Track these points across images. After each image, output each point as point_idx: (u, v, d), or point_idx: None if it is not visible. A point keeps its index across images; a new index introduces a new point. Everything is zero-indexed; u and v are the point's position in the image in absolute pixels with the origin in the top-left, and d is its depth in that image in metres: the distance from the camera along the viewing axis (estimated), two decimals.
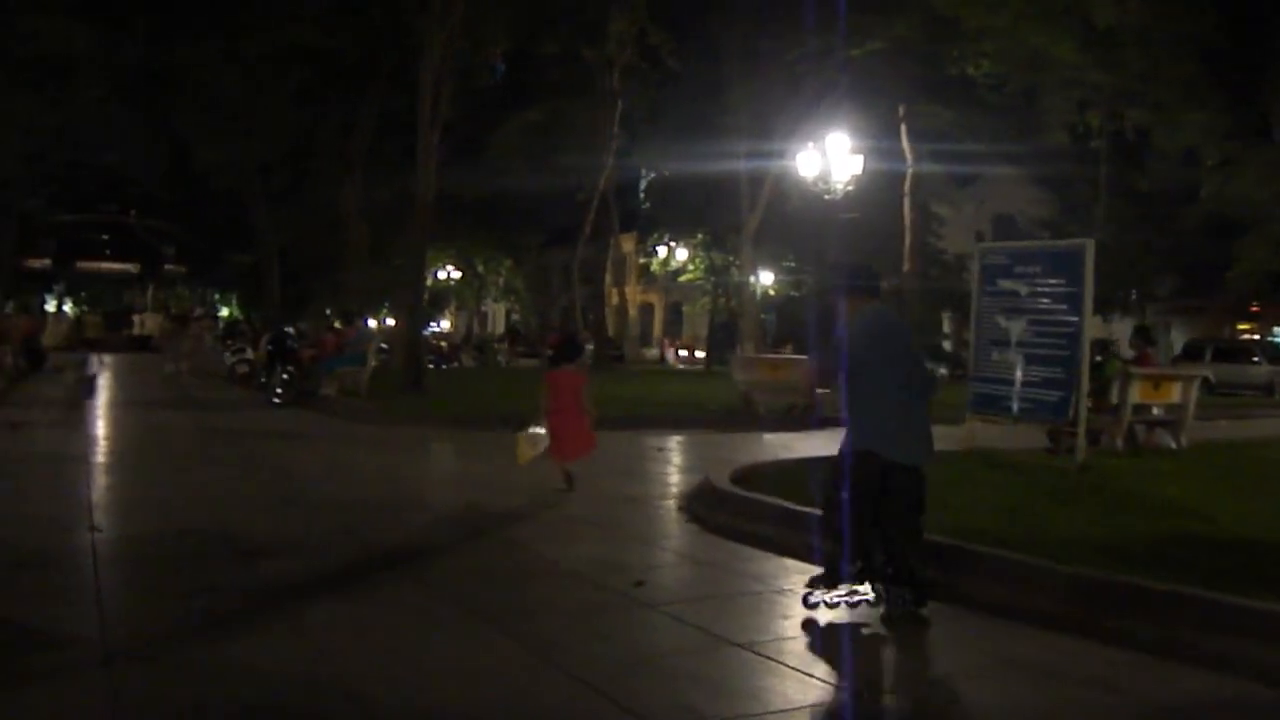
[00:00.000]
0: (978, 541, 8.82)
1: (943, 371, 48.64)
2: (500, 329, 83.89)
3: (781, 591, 8.40)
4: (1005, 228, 62.38)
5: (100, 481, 13.35)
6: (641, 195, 60.67)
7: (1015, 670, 6.67)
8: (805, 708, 5.96)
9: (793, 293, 57.26)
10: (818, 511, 8.67)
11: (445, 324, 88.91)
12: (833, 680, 6.40)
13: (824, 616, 7.58)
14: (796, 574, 8.82)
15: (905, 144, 35.07)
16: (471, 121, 42.38)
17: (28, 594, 7.87)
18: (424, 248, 29.60)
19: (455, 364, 52.97)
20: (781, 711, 5.90)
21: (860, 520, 7.54)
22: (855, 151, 28.88)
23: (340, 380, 26.23)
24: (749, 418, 22.90)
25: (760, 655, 6.77)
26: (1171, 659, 6.76)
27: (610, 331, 60.17)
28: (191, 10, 36.87)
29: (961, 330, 59.52)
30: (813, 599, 7.66)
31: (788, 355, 28.38)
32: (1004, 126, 40.97)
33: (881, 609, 7.58)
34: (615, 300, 58.94)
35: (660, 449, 18.23)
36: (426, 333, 73.96)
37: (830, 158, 28.63)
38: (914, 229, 35.60)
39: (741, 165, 40.25)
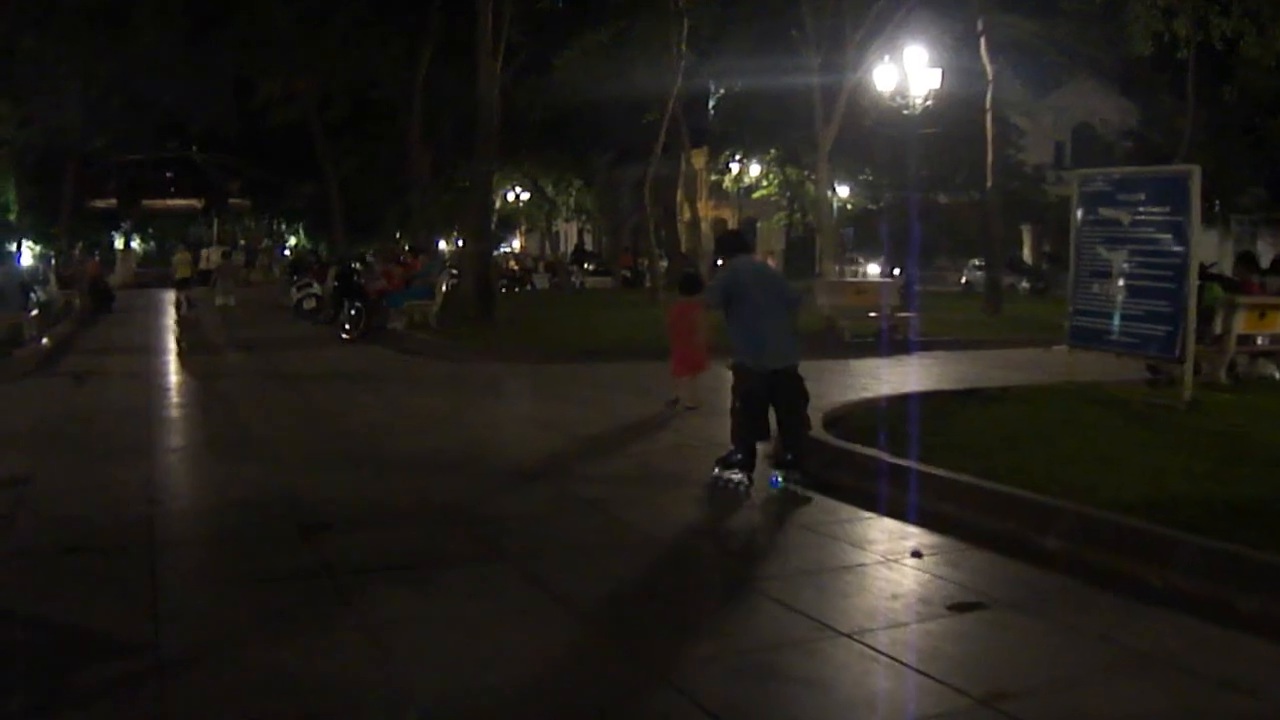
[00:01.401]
0: (1091, 501, 8.11)
1: (1024, 284, 47.96)
2: (572, 248, 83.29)
3: (885, 561, 7.70)
4: (1085, 138, 61.26)
5: (161, 441, 12.81)
6: (711, 111, 59.69)
7: (1151, 668, 5.87)
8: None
9: (870, 206, 56.28)
10: (919, 465, 9.47)
11: (516, 244, 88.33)
12: (956, 683, 5.59)
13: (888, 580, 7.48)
14: (900, 538, 8.16)
15: (985, 57, 33.64)
16: (536, 44, 41.49)
17: (78, 586, 7.22)
18: (490, 174, 28.93)
19: (528, 286, 52.51)
20: None
21: (744, 422, 9.86)
22: (933, 65, 28.15)
23: (409, 314, 25.84)
24: (834, 343, 22.08)
25: (871, 649, 6.02)
26: None
27: (683, 248, 59.60)
28: None
29: (1040, 242, 58.61)
30: (713, 474, 9.99)
31: (864, 274, 27.66)
32: (1087, 36, 39.44)
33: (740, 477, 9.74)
34: (687, 216, 57.96)
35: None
36: (498, 254, 74.41)
37: (908, 72, 28.00)
38: (995, 144, 34.25)
39: (815, 79, 38.99)
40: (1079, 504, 8.01)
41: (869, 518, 8.90)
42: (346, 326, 25.00)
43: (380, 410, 15.36)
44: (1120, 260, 13.45)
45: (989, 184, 34.15)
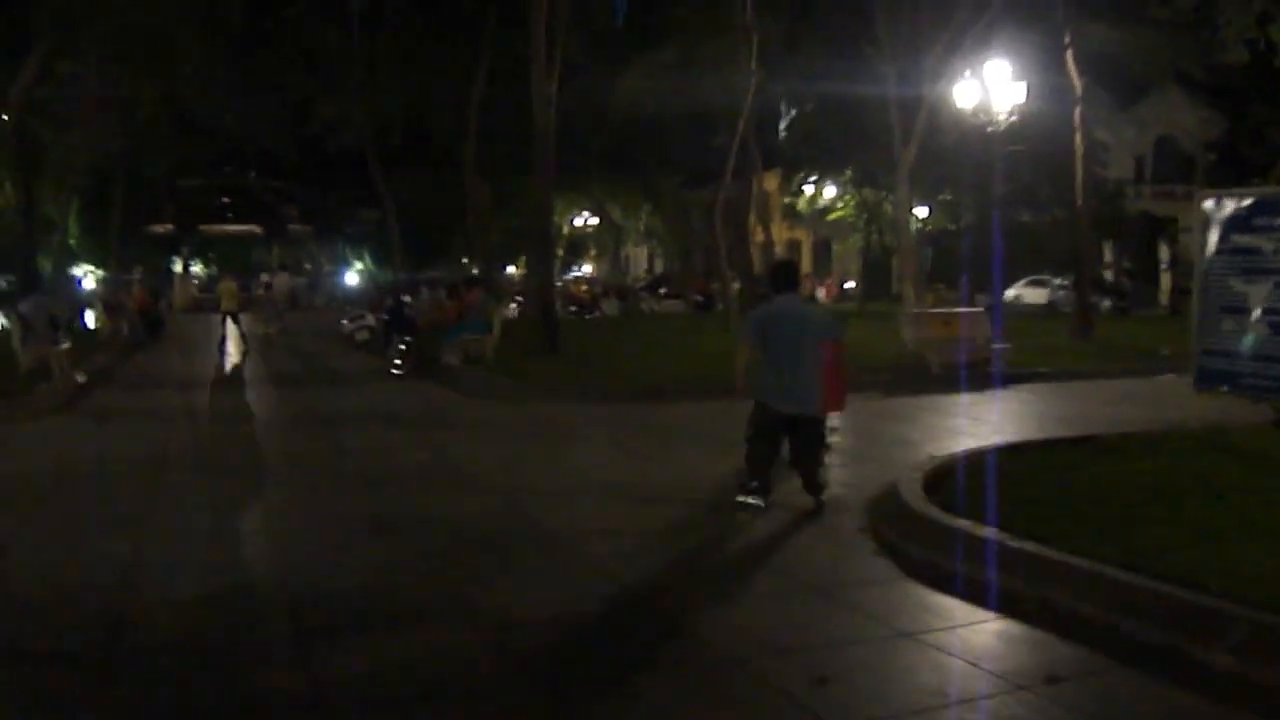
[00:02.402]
0: (1265, 597, 6.49)
1: (1106, 303, 46.07)
2: (642, 273, 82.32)
3: (1014, 689, 6.00)
4: (1167, 151, 59.34)
5: (163, 504, 11.32)
6: (783, 132, 58.35)
7: None
8: None
9: (949, 226, 54.61)
10: (1047, 551, 7.80)
11: (588, 269, 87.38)
12: None
13: None
14: (1029, 651, 6.57)
15: (1072, 70, 31.90)
16: (599, 65, 40.22)
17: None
18: (548, 198, 27.45)
19: (597, 312, 51.30)
20: None
21: (754, 453, 10.25)
22: (1017, 79, 26.67)
23: (464, 348, 24.44)
24: (921, 377, 20.60)
25: None
26: None
27: (756, 271, 58.09)
28: None
29: (1120, 259, 56.66)
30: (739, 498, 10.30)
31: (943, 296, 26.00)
32: (1177, 44, 37.62)
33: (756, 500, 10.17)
34: (760, 239, 56.61)
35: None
36: (570, 278, 73.54)
37: (990, 87, 26.63)
38: (1085, 161, 32.52)
39: (891, 94, 37.41)
40: (1252, 609, 6.35)
41: (986, 621, 7.22)
42: (397, 361, 23.77)
43: (419, 462, 13.77)
44: (1262, 295, 11.73)
45: (1079, 202, 32.45)
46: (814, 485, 10.34)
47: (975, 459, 11.45)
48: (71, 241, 62.84)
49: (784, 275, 10.67)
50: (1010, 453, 11.74)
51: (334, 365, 27.16)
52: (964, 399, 18.46)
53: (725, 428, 12.79)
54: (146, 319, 35.54)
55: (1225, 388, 12.67)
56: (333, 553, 9.18)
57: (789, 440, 10.26)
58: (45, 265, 46.89)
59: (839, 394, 10.68)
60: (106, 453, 14.32)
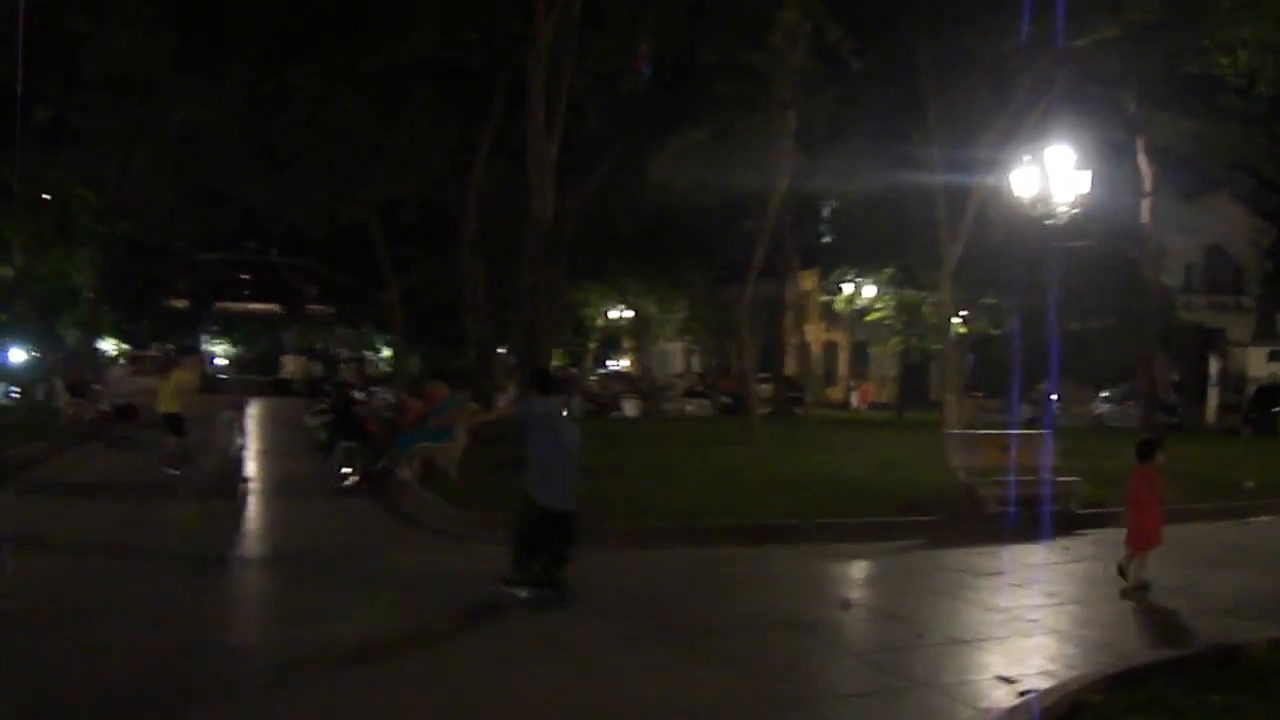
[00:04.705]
0: None
1: (1160, 416, 42.55)
2: (681, 371, 79.66)
3: None
4: (1220, 261, 56.90)
5: None
6: (822, 228, 55.73)
7: None
8: None
9: (991, 331, 51.35)
10: None
11: (625, 364, 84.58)
12: None
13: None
14: None
15: (1143, 159, 28.51)
16: (625, 142, 37.26)
17: None
18: (539, 280, 23.03)
19: (616, 412, 47.86)
20: None
21: (521, 544, 11.21)
22: (1080, 168, 23.84)
23: (423, 457, 19.96)
24: (972, 519, 16.66)
25: None
26: None
27: (790, 372, 55.30)
28: (298, 41, 32.37)
29: (1168, 371, 53.42)
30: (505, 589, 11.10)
31: (985, 411, 22.36)
32: (1249, 138, 34.58)
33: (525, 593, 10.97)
34: (795, 340, 53.91)
35: (846, 600, 12.01)
36: (599, 374, 70.58)
37: (1050, 174, 23.69)
38: (1154, 259, 29.08)
39: (940, 186, 34.41)
40: None
41: None
42: (345, 470, 19.68)
43: (284, 656, 9.30)
44: None
45: (1151, 306, 29.21)
46: (558, 578, 11.15)
47: (1078, 702, 7.83)
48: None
49: (543, 381, 11.97)
50: (1127, 689, 8.08)
51: (278, 470, 23.11)
52: (1031, 553, 14.89)
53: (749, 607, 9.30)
54: (116, 406, 32.08)
55: None
56: None
57: (547, 533, 11.03)
58: (72, 335, 46.07)
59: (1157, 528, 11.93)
60: None
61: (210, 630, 9.88)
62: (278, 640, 9.72)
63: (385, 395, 23.64)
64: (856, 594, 12.28)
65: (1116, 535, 15.57)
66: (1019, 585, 12.69)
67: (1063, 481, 17.48)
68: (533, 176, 21.98)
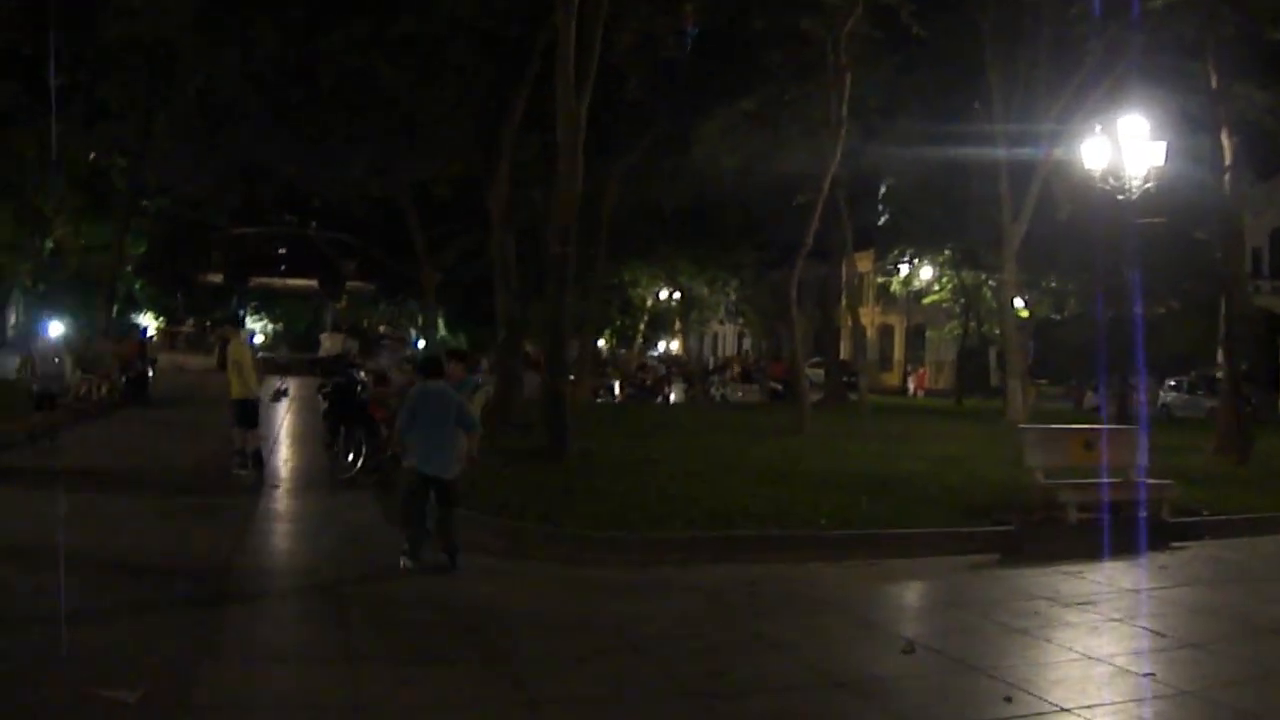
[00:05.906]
0: None
1: (1208, 404, 40.51)
2: (729, 352, 78.36)
3: None
4: None
5: None
6: (880, 207, 53.94)
7: None
8: None
9: (1053, 316, 49.43)
10: None
11: (675, 346, 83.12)
12: None
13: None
14: None
15: (1225, 135, 26.34)
16: (669, 115, 36.03)
17: None
18: (563, 257, 20.92)
19: (660, 398, 46.13)
20: None
21: (408, 513, 11.85)
22: (1156, 138, 21.82)
23: None
24: (1053, 531, 14.12)
25: None
26: None
27: (844, 356, 53.60)
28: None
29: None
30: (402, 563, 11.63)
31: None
32: None
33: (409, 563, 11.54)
34: (850, 323, 52.01)
35: (909, 643, 9.15)
36: (652, 356, 69.16)
37: (1123, 146, 21.77)
38: (1235, 238, 26.89)
39: (1002, 161, 32.66)
40: None
41: None
42: (348, 459, 17.67)
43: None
44: None
45: (1235, 290, 27.18)
46: (449, 545, 11.71)
47: None
48: (137, 286, 60.40)
49: (433, 365, 12.74)
50: None
51: (281, 456, 21.35)
52: (1124, 573, 12.43)
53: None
54: (129, 379, 30.65)
55: None
56: None
57: (425, 496, 11.79)
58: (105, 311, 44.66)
59: None
60: None
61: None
62: None
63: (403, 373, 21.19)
64: (921, 630, 9.94)
65: (1218, 551, 13.66)
66: (1118, 620, 10.12)
67: (1153, 485, 15.12)
68: (561, 140, 20.00)
